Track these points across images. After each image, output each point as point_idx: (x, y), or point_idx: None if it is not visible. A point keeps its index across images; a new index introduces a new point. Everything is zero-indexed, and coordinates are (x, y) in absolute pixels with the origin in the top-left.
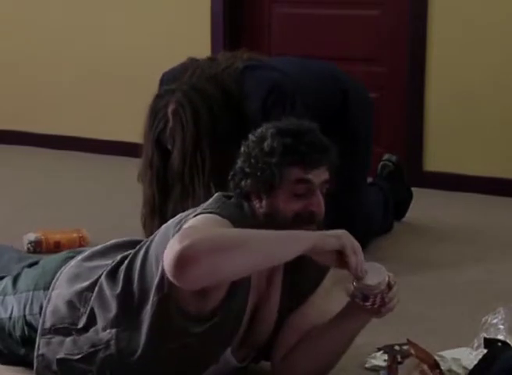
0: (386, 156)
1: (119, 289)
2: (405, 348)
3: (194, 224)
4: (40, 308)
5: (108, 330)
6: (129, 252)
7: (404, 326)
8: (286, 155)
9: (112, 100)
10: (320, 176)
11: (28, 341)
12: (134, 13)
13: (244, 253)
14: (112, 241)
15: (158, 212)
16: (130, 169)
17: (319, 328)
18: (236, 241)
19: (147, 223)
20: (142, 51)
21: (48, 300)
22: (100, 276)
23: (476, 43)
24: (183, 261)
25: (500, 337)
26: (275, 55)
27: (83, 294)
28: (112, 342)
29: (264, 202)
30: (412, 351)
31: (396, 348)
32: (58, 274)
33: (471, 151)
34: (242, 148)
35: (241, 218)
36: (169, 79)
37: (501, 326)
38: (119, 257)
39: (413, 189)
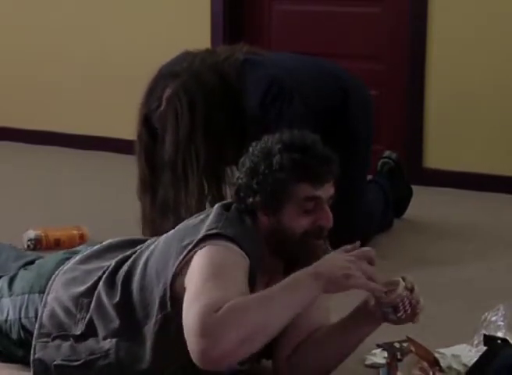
0: (386, 153)
1: (117, 299)
2: (405, 345)
3: (209, 289)
4: (36, 311)
5: (108, 339)
6: (126, 255)
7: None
8: (295, 172)
9: (111, 99)
10: (328, 190)
11: (25, 344)
12: (134, 13)
13: (268, 331)
14: (108, 241)
15: (148, 188)
16: (130, 167)
17: (327, 329)
18: (259, 323)
19: (141, 198)
20: (142, 50)
21: (44, 304)
22: (97, 282)
23: (476, 41)
24: (214, 361)
25: (500, 334)
26: (275, 51)
27: (79, 300)
28: (112, 351)
29: (272, 218)
30: (412, 349)
31: (396, 345)
32: (53, 277)
33: (471, 148)
34: (246, 163)
35: (246, 234)
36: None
37: (501, 324)
38: (114, 261)
39: (413, 186)
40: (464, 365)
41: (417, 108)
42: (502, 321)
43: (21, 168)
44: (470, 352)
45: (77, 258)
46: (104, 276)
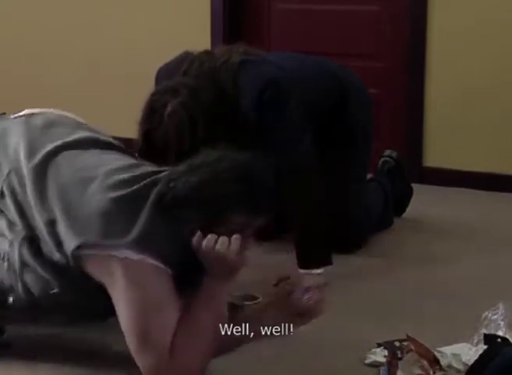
0: (387, 152)
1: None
2: (405, 343)
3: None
4: None
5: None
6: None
7: (404, 322)
8: (237, 204)
9: (111, 97)
10: (260, 221)
11: None
12: (134, 10)
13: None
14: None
15: None
16: None
17: None
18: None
19: None
20: (142, 48)
21: None
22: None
23: (476, 39)
24: None
25: (500, 333)
26: (275, 50)
27: None
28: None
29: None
30: (412, 347)
31: (396, 343)
32: None
33: (471, 146)
34: (192, 175)
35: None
36: (166, 74)
37: (501, 322)
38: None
39: (413, 185)
40: (464, 363)
41: (417, 106)
42: (502, 320)
43: None
44: (470, 351)
45: None
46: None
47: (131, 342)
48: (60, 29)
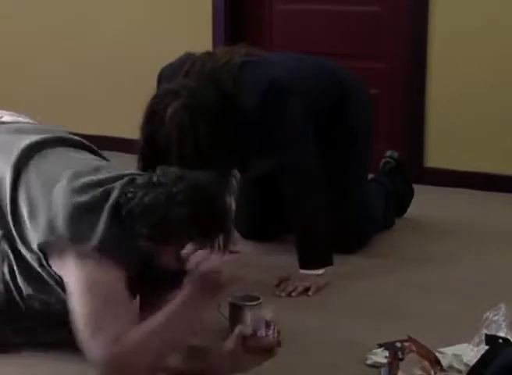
0: (388, 153)
1: None
2: (406, 344)
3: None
4: None
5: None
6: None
7: (405, 323)
8: (186, 228)
9: (111, 96)
10: (206, 245)
11: None
12: (135, 12)
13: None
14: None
15: None
16: (133, 166)
17: None
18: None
19: None
20: (143, 49)
21: None
22: None
23: (477, 40)
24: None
25: (501, 333)
26: (276, 50)
27: None
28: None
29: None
30: (413, 348)
31: (397, 344)
32: None
33: (472, 147)
34: (146, 195)
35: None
36: (168, 75)
37: (502, 323)
38: None
39: (413, 185)
40: (466, 364)
41: (418, 107)
42: (503, 320)
43: None
44: (471, 352)
45: None
46: None
47: (81, 333)
48: (60, 27)
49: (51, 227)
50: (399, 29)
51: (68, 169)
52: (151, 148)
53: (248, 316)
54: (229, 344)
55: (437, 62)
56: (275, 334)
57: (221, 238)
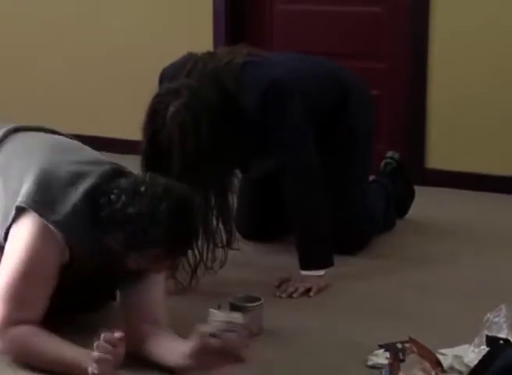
0: (389, 154)
1: None
2: (407, 345)
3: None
4: None
5: None
6: None
7: (406, 324)
8: (162, 243)
9: (111, 96)
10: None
11: None
12: (136, 12)
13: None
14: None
15: None
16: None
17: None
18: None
19: None
20: (144, 50)
21: None
22: None
23: (478, 40)
24: None
25: (502, 334)
26: (277, 50)
27: None
28: None
29: (116, 248)
30: (414, 349)
31: (398, 345)
32: None
33: (473, 148)
34: (129, 204)
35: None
36: (169, 75)
37: (503, 324)
38: None
39: (414, 187)
40: (466, 365)
41: (418, 108)
42: (504, 321)
43: None
44: (472, 353)
45: None
46: None
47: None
48: (60, 27)
49: (22, 192)
50: (399, 29)
51: (46, 145)
52: (153, 148)
53: (248, 317)
54: (191, 342)
55: (438, 63)
56: (244, 339)
57: (224, 237)
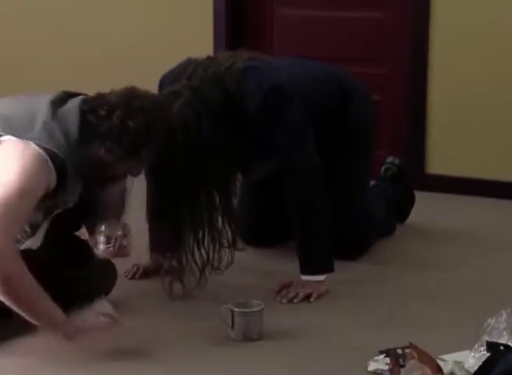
0: (389, 159)
1: None
2: (407, 351)
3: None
4: None
5: None
6: None
7: (406, 329)
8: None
9: None
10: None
11: None
12: (136, 18)
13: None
14: None
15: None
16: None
17: None
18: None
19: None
20: (144, 56)
21: None
22: None
23: (480, 46)
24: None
25: (503, 340)
26: (277, 55)
27: None
28: None
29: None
30: (414, 355)
31: (399, 351)
32: None
33: (474, 154)
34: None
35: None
36: (169, 81)
37: (504, 330)
38: None
39: (415, 192)
40: (467, 371)
41: (419, 113)
42: (505, 327)
43: None
44: (472, 359)
45: None
46: None
47: None
48: (59, 27)
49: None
50: (400, 35)
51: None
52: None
53: (250, 323)
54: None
55: (438, 68)
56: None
57: (230, 237)
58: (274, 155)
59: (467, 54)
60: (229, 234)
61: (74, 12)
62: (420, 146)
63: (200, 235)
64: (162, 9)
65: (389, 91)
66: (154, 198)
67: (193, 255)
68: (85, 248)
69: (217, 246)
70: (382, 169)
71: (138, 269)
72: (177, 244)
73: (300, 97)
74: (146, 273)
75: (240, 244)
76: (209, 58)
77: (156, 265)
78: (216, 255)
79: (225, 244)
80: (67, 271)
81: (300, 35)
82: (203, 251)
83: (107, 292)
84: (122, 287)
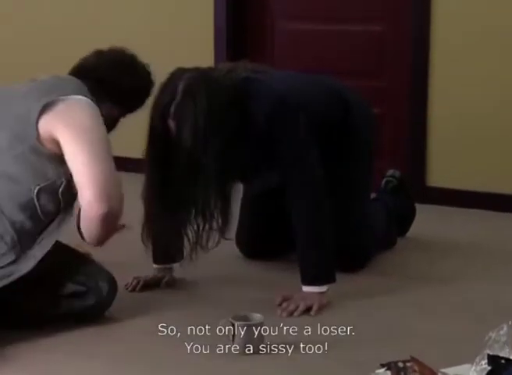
0: (390, 172)
1: None
2: (409, 364)
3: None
4: None
5: None
6: None
7: (407, 343)
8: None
9: None
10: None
11: None
12: (136, 30)
13: None
14: None
15: (157, 187)
16: (138, 186)
17: None
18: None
19: (147, 197)
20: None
21: None
22: None
23: (480, 59)
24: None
25: (504, 354)
26: (278, 69)
27: None
28: None
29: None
30: (416, 368)
31: (400, 364)
32: None
33: (474, 166)
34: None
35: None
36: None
37: (505, 343)
38: None
39: (416, 204)
40: None
41: (420, 126)
42: (506, 341)
43: None
44: (473, 372)
45: None
46: None
47: (90, 191)
48: (59, 33)
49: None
50: (401, 48)
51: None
52: (162, 124)
53: (251, 336)
54: None
55: (439, 82)
56: None
57: (220, 221)
58: (277, 165)
59: (468, 68)
60: (220, 220)
61: (74, 12)
62: (420, 159)
63: (194, 212)
64: (163, 26)
65: (390, 104)
66: (151, 173)
67: (185, 228)
68: (85, 262)
69: (207, 227)
70: (383, 181)
71: (139, 281)
72: (171, 216)
73: (303, 108)
74: (146, 286)
75: (228, 234)
76: (209, 67)
77: (157, 278)
78: (205, 235)
79: (215, 227)
80: (67, 287)
81: (301, 49)
82: (195, 227)
83: (107, 306)
84: (122, 299)
